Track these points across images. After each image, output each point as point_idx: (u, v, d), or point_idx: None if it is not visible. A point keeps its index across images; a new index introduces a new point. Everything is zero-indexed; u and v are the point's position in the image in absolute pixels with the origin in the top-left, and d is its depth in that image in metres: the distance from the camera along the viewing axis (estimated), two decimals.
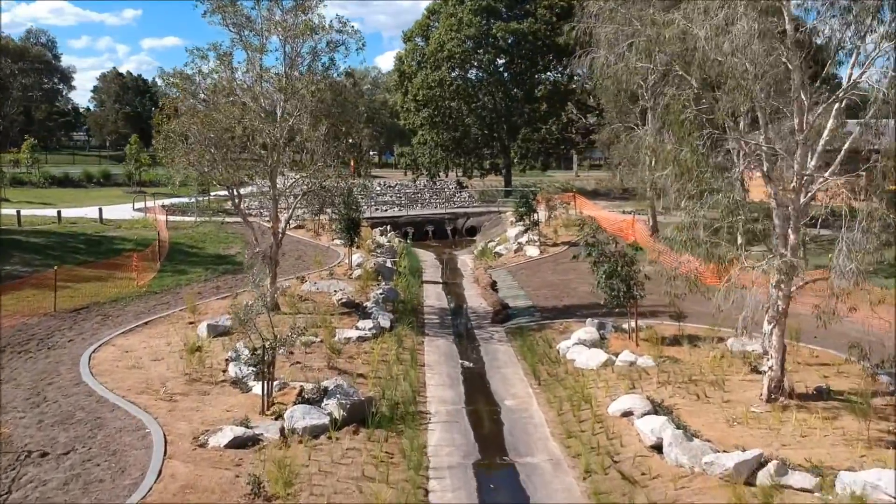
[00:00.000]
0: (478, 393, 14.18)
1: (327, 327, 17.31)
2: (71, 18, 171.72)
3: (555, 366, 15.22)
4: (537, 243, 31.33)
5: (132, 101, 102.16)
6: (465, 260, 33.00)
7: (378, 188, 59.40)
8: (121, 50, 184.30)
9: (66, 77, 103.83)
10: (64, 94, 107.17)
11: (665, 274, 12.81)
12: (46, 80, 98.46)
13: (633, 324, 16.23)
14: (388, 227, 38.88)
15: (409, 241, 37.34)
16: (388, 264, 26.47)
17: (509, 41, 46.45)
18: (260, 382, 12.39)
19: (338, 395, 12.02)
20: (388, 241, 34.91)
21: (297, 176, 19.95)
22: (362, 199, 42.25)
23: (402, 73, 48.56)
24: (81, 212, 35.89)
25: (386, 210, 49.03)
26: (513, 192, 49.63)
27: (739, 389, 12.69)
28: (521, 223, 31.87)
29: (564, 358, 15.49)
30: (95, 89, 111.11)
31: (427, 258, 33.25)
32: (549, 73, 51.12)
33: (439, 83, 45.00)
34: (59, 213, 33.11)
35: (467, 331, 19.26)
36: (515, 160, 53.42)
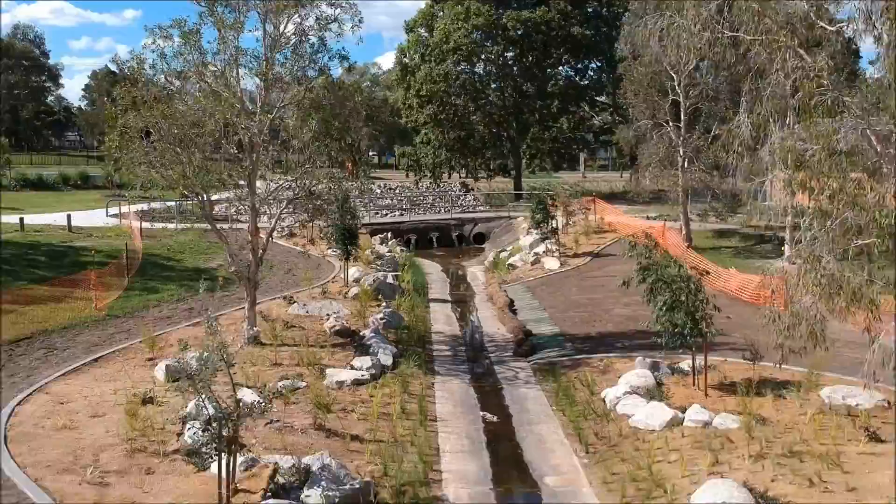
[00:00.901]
0: (508, 465, 11.07)
1: (315, 365, 14.26)
2: (72, 19, 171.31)
3: (603, 423, 12.11)
4: (556, 254, 28.23)
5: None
6: (476, 272, 29.89)
7: (378, 191, 56.37)
8: (121, 50, 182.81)
9: (53, 75, 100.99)
10: (53, 92, 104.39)
11: (775, 318, 9.66)
12: (35, 77, 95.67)
13: (698, 365, 13.11)
14: (389, 235, 35.80)
15: (412, 251, 34.21)
16: (390, 280, 23.37)
17: (519, 32, 43.35)
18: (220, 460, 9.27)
19: (323, 482, 8.93)
20: (390, 251, 31.82)
21: (282, 180, 16.86)
22: (361, 203, 39.31)
23: (405, 66, 45.48)
24: (50, 218, 32.78)
25: (386, 215, 45.93)
26: (523, 196, 46.63)
27: (863, 469, 9.57)
28: (538, 231, 28.74)
29: (614, 412, 12.38)
30: (87, 87, 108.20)
31: (432, 270, 30.14)
32: (561, 68, 48.02)
33: (444, 77, 41.92)
34: (21, 220, 30.00)
35: (485, 367, 16.15)
36: (525, 161, 50.33)
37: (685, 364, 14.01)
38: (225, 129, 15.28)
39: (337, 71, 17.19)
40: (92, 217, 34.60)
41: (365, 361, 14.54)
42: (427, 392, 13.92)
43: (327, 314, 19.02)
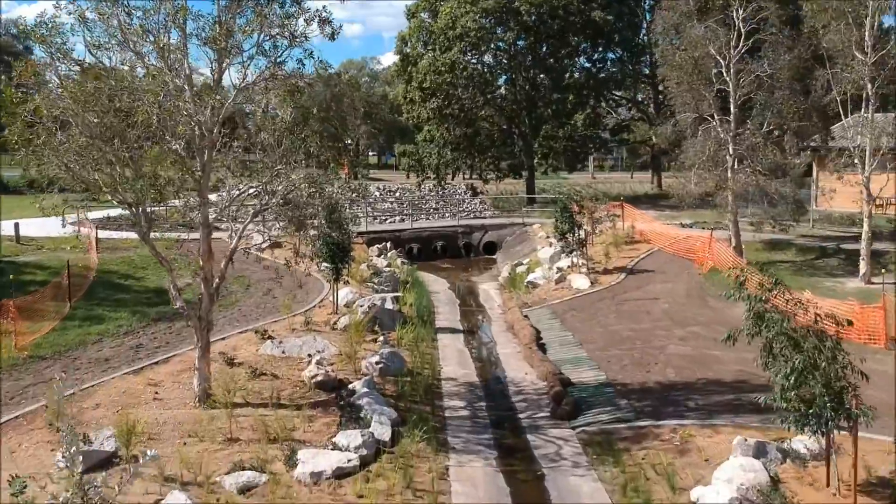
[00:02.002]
0: None
1: (285, 441, 10.46)
2: (73, 18, 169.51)
3: None
4: (585, 270, 24.38)
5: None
6: (489, 291, 26.01)
7: (377, 193, 52.56)
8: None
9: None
10: None
11: None
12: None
13: (832, 453, 9.23)
14: (389, 245, 31.96)
15: (414, 264, 30.34)
16: (389, 304, 19.51)
17: (534, 17, 39.46)
18: None
19: None
20: (388, 264, 27.97)
21: (246, 186, 13.02)
22: (358, 207, 35.45)
23: (406, 56, 41.59)
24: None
25: (386, 219, 42.09)
26: (537, 200, 42.77)
27: None
28: (562, 243, 24.85)
29: None
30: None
31: (439, 288, 26.26)
32: (579, 58, 44.13)
33: (450, 67, 38.00)
34: None
35: (516, 437, 12.27)
36: (536, 161, 46.47)
37: (799, 444, 10.13)
38: (164, 118, 11.41)
39: (317, 41, 13.29)
40: (48, 225, 30.70)
41: (353, 437, 10.67)
42: (440, 485, 10.03)
43: (308, 355, 15.21)
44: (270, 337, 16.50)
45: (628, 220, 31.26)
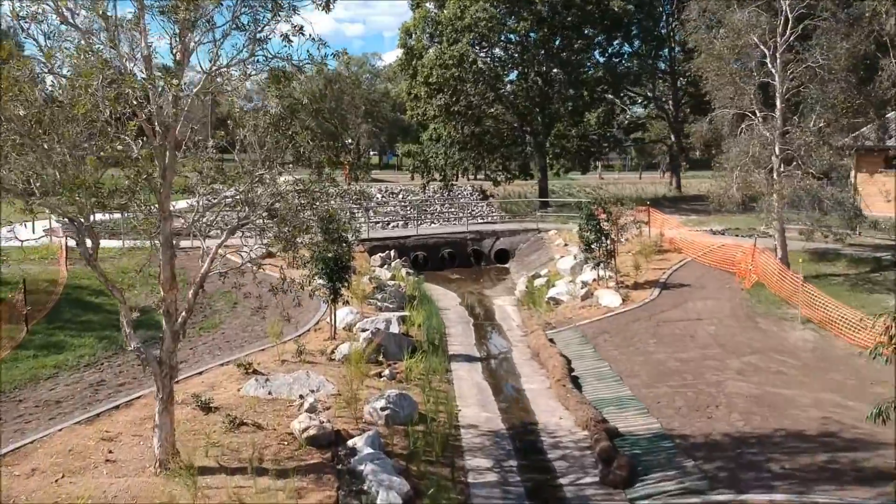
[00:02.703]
0: None
1: None
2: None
3: None
4: (613, 284, 21.95)
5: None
6: (505, 307, 23.56)
7: (378, 196, 50.18)
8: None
9: None
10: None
11: None
12: None
13: None
14: (392, 253, 29.51)
15: (420, 275, 27.92)
16: (395, 328, 17.11)
17: (547, 6, 36.97)
18: None
19: None
20: (393, 276, 25.53)
21: (222, 195, 10.59)
22: (358, 211, 33.07)
23: (410, 49, 39.10)
24: None
25: (388, 224, 39.70)
26: (550, 204, 40.31)
27: None
28: (589, 255, 22.37)
29: None
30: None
31: (449, 303, 23.82)
32: (594, 51, 41.65)
33: (458, 61, 35.49)
34: None
35: None
36: (549, 161, 44.02)
37: None
38: (115, 108, 8.97)
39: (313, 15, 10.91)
40: (24, 231, 28.22)
41: None
42: None
43: (300, 396, 12.80)
44: (256, 372, 14.07)
45: (655, 226, 28.83)
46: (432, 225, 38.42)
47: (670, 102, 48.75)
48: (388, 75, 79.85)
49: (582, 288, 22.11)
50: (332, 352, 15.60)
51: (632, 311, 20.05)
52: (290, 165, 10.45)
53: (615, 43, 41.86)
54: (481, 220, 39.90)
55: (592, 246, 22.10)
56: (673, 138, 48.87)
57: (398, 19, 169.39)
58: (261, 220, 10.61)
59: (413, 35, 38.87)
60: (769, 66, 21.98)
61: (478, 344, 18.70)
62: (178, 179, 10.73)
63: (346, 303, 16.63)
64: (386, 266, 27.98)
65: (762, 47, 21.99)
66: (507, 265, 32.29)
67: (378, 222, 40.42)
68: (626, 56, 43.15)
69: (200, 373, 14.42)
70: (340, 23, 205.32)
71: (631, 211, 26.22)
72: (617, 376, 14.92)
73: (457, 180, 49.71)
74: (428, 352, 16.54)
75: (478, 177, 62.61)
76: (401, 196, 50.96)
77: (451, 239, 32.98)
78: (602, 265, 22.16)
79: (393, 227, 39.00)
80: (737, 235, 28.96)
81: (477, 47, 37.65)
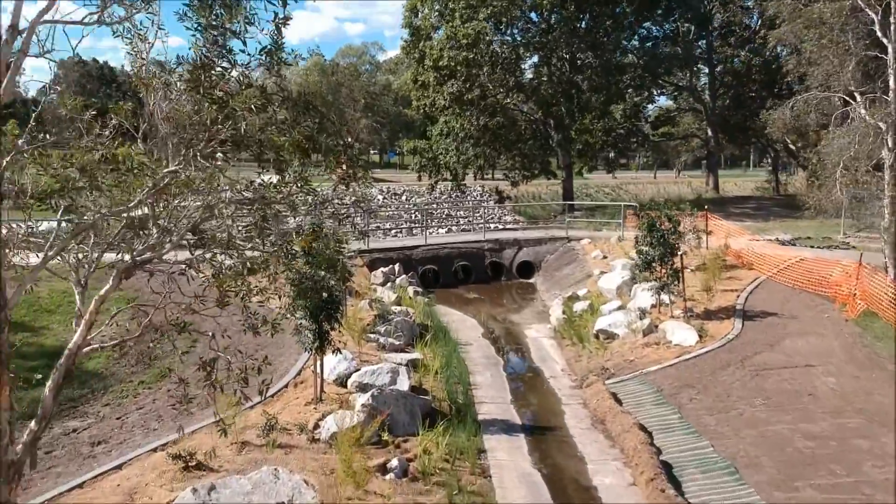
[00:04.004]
0: None
1: None
2: (75, 18, 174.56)
3: None
4: (680, 312, 17.49)
5: (95, 91, 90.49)
6: (541, 340, 19.09)
7: (380, 198, 45.77)
8: (124, 49, 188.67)
9: None
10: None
11: None
12: None
13: None
14: (397, 268, 25.01)
15: (430, 295, 23.49)
16: (403, 380, 12.71)
17: None
18: None
19: None
20: (398, 299, 21.04)
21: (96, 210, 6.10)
22: (357, 215, 28.62)
23: (416, 30, 34.58)
24: None
25: (391, 231, 35.23)
26: (576, 207, 35.80)
27: None
28: (647, 272, 17.88)
29: None
30: (55, 78, 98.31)
31: (470, 336, 19.34)
32: (626, 32, 37.09)
33: (474, 41, 30.95)
34: None
35: None
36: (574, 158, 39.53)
37: None
38: None
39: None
40: None
41: None
42: None
43: None
44: (199, 466, 9.61)
45: (715, 235, 24.36)
46: (441, 231, 33.94)
47: (706, 92, 44.31)
48: (389, 67, 75.52)
49: (640, 317, 17.60)
50: (317, 426, 11.12)
51: (714, 352, 15.51)
52: (228, 155, 5.96)
53: (657, 19, 37.28)
54: (499, 227, 35.40)
55: (653, 264, 17.60)
56: (710, 132, 44.37)
57: (400, 19, 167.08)
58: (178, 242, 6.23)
59: (420, 13, 34.35)
60: (879, 34, 17.51)
61: (515, 401, 14.15)
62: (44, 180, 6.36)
63: (337, 350, 12.17)
64: (390, 284, 23.52)
65: (868, 11, 17.53)
66: (531, 280, 27.84)
67: (378, 228, 35.97)
68: (664, 38, 38.66)
69: (120, 466, 9.94)
70: (342, 22, 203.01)
71: (691, 218, 21.79)
72: (729, 466, 10.41)
73: (464, 180, 45.25)
74: (452, 419, 12.05)
75: (487, 176, 58.16)
76: (404, 197, 46.56)
77: (466, 249, 28.47)
78: (666, 289, 17.64)
79: (395, 234, 34.55)
80: (812, 246, 24.49)
81: (494, 26, 33.10)
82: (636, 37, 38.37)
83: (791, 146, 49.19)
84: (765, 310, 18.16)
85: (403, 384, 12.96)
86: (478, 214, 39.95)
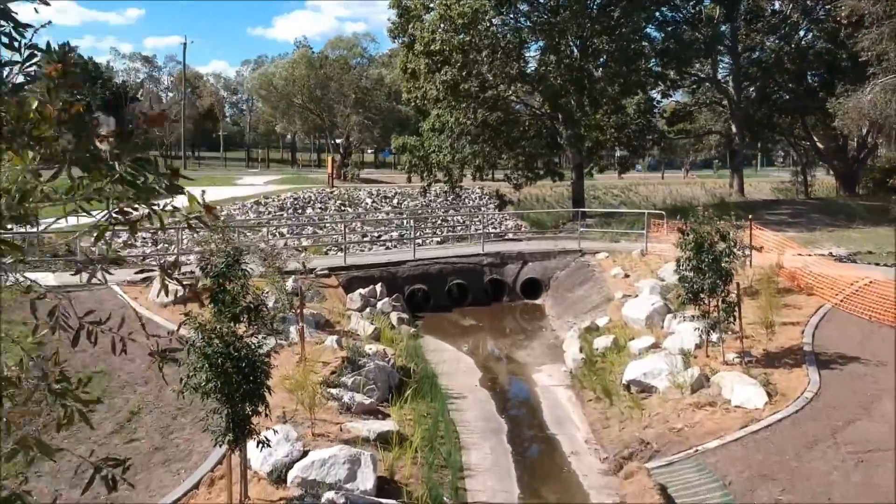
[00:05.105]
0: None
1: None
2: (76, 18, 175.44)
3: None
4: (734, 355, 13.69)
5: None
6: (555, 390, 15.27)
7: (368, 201, 42.00)
8: (124, 49, 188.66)
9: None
10: None
11: None
12: None
13: None
14: (379, 288, 21.15)
15: (417, 323, 19.71)
16: (365, 477, 8.93)
17: None
18: None
19: None
20: (375, 331, 17.19)
21: None
22: (341, 219, 24.70)
23: (406, 10, 30.73)
24: None
25: (379, 239, 31.39)
26: (589, 213, 31.98)
27: None
28: (693, 305, 14.07)
29: None
30: (36, 73, 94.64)
31: (464, 382, 15.50)
32: (642, 14, 33.28)
33: (470, 21, 27.12)
34: None
35: None
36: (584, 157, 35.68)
37: None
38: None
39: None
40: None
41: None
42: None
43: None
44: None
45: (763, 250, 20.56)
46: (434, 241, 30.12)
47: (730, 84, 40.50)
48: (383, 60, 71.73)
49: (684, 363, 13.75)
50: None
51: (791, 419, 11.67)
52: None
53: (669, 8, 33.56)
54: (499, 237, 31.59)
55: (701, 295, 13.78)
56: (734, 128, 40.55)
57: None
58: None
59: None
60: None
61: (527, 498, 10.28)
62: None
63: (263, 443, 8.32)
64: (369, 309, 19.70)
65: None
66: (538, 300, 24.03)
67: (365, 236, 32.17)
68: (684, 22, 34.88)
69: None
70: (342, 21, 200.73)
71: (741, 231, 18.01)
72: None
73: (460, 181, 41.47)
74: None
75: (487, 177, 54.38)
76: (395, 201, 42.79)
77: (462, 265, 24.61)
78: (718, 327, 13.81)
79: (381, 244, 30.72)
80: (877, 264, 20.69)
81: (493, 5, 29.23)
82: (654, 21, 34.65)
83: (819, 144, 45.48)
84: (841, 352, 14.34)
85: (366, 481, 9.19)
86: (476, 220, 36.17)
